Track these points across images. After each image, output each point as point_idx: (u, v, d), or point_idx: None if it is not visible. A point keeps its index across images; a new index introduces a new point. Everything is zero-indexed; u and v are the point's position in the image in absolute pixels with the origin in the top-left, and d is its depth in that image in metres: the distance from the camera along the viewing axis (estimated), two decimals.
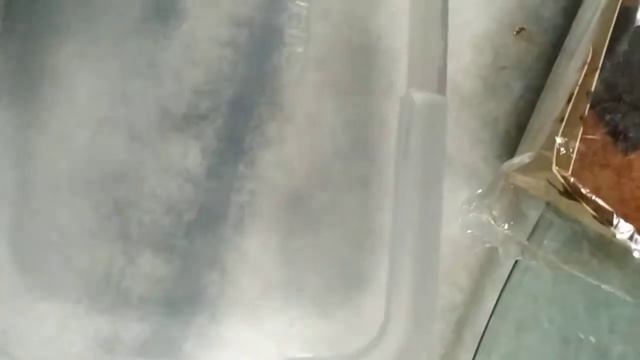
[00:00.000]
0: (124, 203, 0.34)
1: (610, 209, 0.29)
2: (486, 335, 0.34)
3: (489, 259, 0.35)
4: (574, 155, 0.28)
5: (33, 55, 0.34)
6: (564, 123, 0.28)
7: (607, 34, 0.29)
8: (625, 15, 0.29)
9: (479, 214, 0.30)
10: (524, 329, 0.34)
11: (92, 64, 0.34)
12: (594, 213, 0.29)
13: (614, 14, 0.29)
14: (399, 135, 0.29)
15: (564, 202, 0.29)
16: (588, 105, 0.29)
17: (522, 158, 0.29)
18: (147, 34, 0.34)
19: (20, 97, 0.33)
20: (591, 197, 0.29)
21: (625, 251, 0.29)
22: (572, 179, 0.28)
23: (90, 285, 0.33)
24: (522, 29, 0.36)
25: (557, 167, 0.28)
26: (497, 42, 0.36)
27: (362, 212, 0.34)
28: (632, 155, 0.29)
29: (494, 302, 0.35)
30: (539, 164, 0.29)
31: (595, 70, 0.29)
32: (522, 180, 0.30)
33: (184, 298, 0.34)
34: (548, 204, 0.32)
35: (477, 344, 0.34)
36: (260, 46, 0.35)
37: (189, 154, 0.34)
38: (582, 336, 0.35)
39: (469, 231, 0.30)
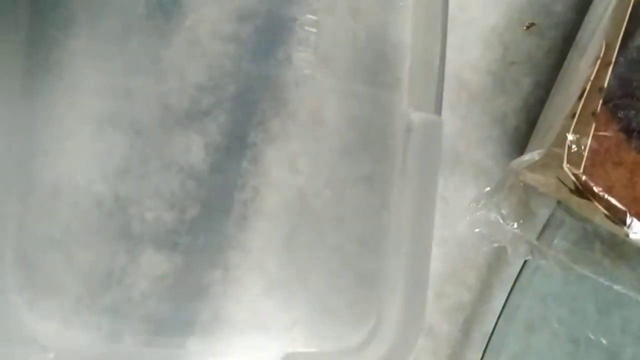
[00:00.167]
0: (126, 199, 0.33)
1: (623, 207, 0.27)
2: (495, 336, 0.33)
3: (498, 257, 0.33)
4: (585, 153, 0.27)
5: (36, 50, 0.33)
6: (575, 119, 0.27)
7: (621, 29, 0.27)
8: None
9: (487, 213, 0.28)
10: (533, 329, 0.33)
11: (94, 60, 0.33)
12: (606, 212, 0.27)
13: (627, 8, 0.28)
14: (397, 152, 0.30)
15: (575, 201, 0.27)
16: (601, 102, 0.27)
17: (532, 155, 0.27)
18: (150, 30, 0.33)
19: (23, 92, 0.32)
20: (603, 196, 0.27)
21: (638, 251, 0.27)
22: (583, 177, 0.27)
23: (92, 282, 0.32)
24: (532, 23, 0.34)
25: (568, 165, 0.26)
26: (507, 37, 0.35)
27: (367, 210, 0.33)
28: None
29: (503, 302, 0.33)
30: (550, 162, 0.27)
31: (608, 65, 0.27)
32: (532, 178, 0.29)
33: (187, 295, 0.33)
34: (558, 202, 0.30)
35: (485, 344, 0.33)
36: (264, 42, 0.34)
37: (192, 150, 0.33)
38: (592, 337, 0.33)
39: (477, 230, 0.29)
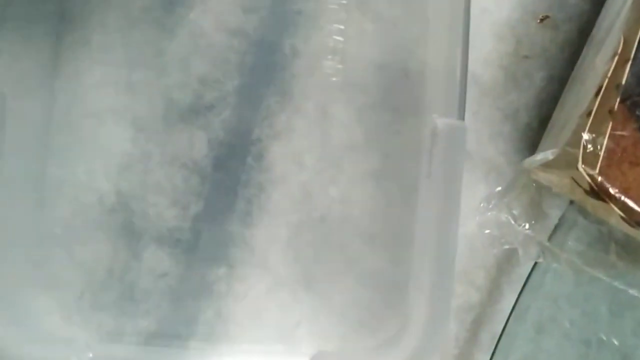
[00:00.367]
0: (128, 195, 0.32)
1: None
2: (504, 337, 0.31)
3: (507, 257, 0.32)
4: (601, 153, 0.25)
5: (37, 43, 0.32)
6: (591, 118, 0.25)
7: None
8: None
9: (498, 213, 0.27)
10: (544, 330, 0.32)
11: (96, 53, 0.32)
12: (622, 214, 0.25)
13: None
14: (423, 158, 0.29)
15: (590, 202, 0.26)
16: (618, 99, 0.25)
17: (546, 155, 0.25)
18: (152, 22, 0.32)
19: (24, 86, 0.31)
20: (620, 198, 0.25)
21: None
22: (599, 178, 0.25)
23: (93, 278, 0.32)
24: (546, 16, 0.33)
25: (583, 165, 0.25)
26: (520, 30, 0.33)
27: (374, 207, 0.32)
28: None
29: (512, 302, 0.32)
30: (564, 162, 0.25)
31: (627, 61, 0.25)
32: (545, 177, 0.27)
33: (190, 293, 0.32)
34: (572, 202, 0.29)
35: (494, 345, 0.31)
36: (269, 34, 0.32)
37: (195, 146, 0.32)
38: (604, 338, 0.32)
39: (487, 231, 0.27)
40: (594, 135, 0.25)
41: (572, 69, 0.32)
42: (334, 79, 0.32)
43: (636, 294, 0.28)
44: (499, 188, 0.29)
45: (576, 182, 0.26)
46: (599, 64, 0.27)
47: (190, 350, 0.31)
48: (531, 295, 0.32)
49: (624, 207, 0.25)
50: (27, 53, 0.31)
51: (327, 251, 0.32)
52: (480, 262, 0.32)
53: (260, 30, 0.32)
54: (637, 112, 0.26)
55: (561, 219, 0.28)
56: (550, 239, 0.28)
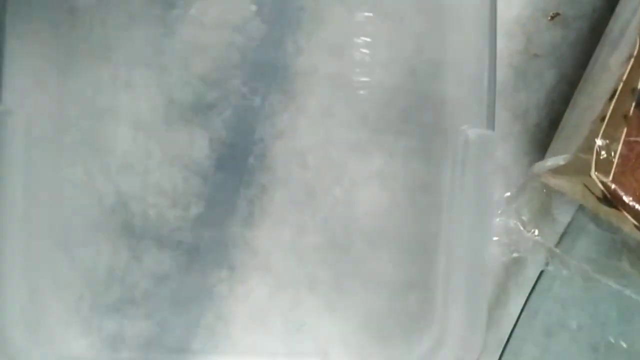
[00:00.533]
0: (128, 196, 0.31)
1: None
2: (512, 341, 0.31)
3: (515, 260, 0.30)
4: (615, 159, 0.24)
5: (37, 39, 0.31)
6: (605, 123, 0.24)
7: None
8: None
9: (507, 220, 0.25)
10: (552, 334, 0.31)
11: (95, 50, 0.31)
12: (636, 222, 0.24)
13: None
14: (454, 168, 0.29)
15: (603, 210, 0.24)
16: (633, 104, 0.24)
17: (557, 160, 0.24)
18: (152, 19, 0.31)
19: (21, 84, 0.30)
20: (634, 206, 0.24)
21: None
22: (613, 186, 0.24)
23: (93, 280, 0.31)
24: (557, 13, 0.31)
25: (596, 172, 0.23)
26: (530, 28, 0.32)
27: (378, 209, 0.31)
28: None
29: (519, 306, 0.31)
30: (576, 168, 0.24)
31: None
32: (556, 183, 0.25)
33: (191, 296, 0.31)
34: (583, 209, 0.27)
35: (501, 349, 0.31)
36: (271, 31, 0.31)
37: (196, 145, 0.31)
38: (613, 342, 0.31)
39: (495, 238, 0.26)
40: (607, 141, 0.24)
41: (584, 68, 0.30)
42: (337, 77, 0.31)
43: None
44: (508, 193, 0.27)
45: (588, 189, 0.24)
46: (614, 65, 0.25)
47: (191, 354, 0.31)
48: (539, 298, 0.31)
49: (638, 215, 0.24)
50: (25, 50, 0.30)
51: (331, 253, 0.31)
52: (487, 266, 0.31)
53: (263, 27, 0.31)
54: None
55: (570, 225, 0.27)
56: (558, 244, 0.27)
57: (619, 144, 0.24)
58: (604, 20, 0.30)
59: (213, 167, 0.31)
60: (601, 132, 0.24)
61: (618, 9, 0.29)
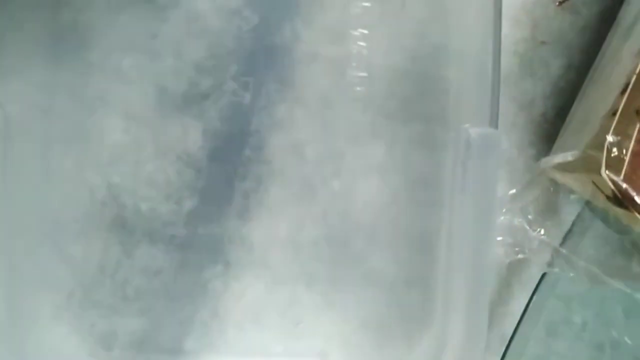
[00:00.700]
0: (119, 189, 0.30)
1: None
2: (515, 340, 0.29)
3: (519, 260, 0.29)
4: (627, 157, 0.22)
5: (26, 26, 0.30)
6: (616, 118, 0.23)
7: None
8: None
9: (511, 218, 0.24)
10: (556, 333, 0.31)
11: (83, 36, 0.30)
12: None
13: None
14: (455, 167, 0.28)
15: (613, 209, 0.23)
16: None
17: (564, 156, 0.23)
18: (144, 3, 0.30)
19: (5, 72, 0.29)
20: None
21: None
22: (624, 185, 0.23)
23: (84, 276, 0.30)
24: None
25: (607, 171, 0.22)
26: (537, 14, 0.31)
27: (378, 203, 0.30)
28: None
29: (522, 303, 0.30)
30: (585, 165, 0.23)
31: None
32: (563, 179, 0.24)
33: (185, 292, 0.30)
34: (591, 207, 0.26)
35: (503, 348, 0.30)
36: (269, 17, 0.30)
37: (190, 136, 0.30)
38: (618, 340, 0.30)
39: (499, 238, 0.25)
40: (619, 137, 0.23)
41: (594, 57, 0.30)
42: (337, 64, 0.30)
43: None
44: (513, 191, 0.26)
45: (598, 187, 0.23)
46: (626, 56, 0.24)
47: (185, 352, 0.30)
48: (543, 296, 0.30)
49: None
50: (9, 37, 0.29)
51: (329, 249, 0.30)
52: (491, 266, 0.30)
53: (260, 13, 0.30)
54: None
55: (577, 223, 0.26)
56: (564, 244, 0.26)
57: (631, 140, 0.23)
58: (616, 6, 0.29)
59: (207, 159, 0.30)
60: (612, 127, 0.23)
61: None
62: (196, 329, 0.30)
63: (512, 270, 0.30)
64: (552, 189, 0.25)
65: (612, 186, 0.23)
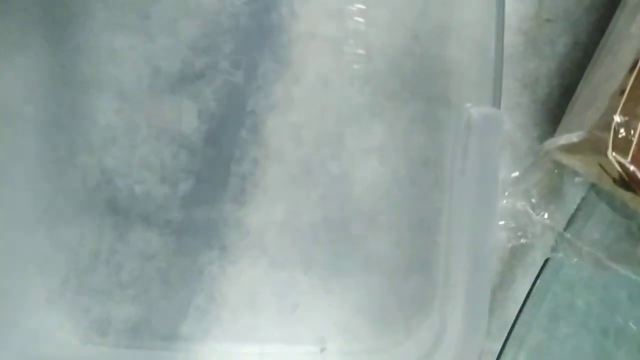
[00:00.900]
0: (113, 172, 0.29)
1: None
2: (517, 326, 0.29)
3: (521, 244, 0.29)
4: (635, 138, 0.22)
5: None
6: (624, 98, 0.22)
7: None
8: None
9: (514, 202, 0.23)
10: (559, 318, 0.30)
11: (74, 15, 0.29)
12: None
13: None
14: (455, 150, 0.27)
15: (619, 192, 0.22)
16: None
17: (570, 137, 0.22)
18: None
19: None
20: None
21: None
22: (631, 167, 0.22)
23: (78, 261, 0.29)
24: None
25: (614, 153, 0.21)
26: None
27: (378, 186, 0.30)
28: None
29: (525, 288, 0.29)
30: (591, 146, 0.22)
31: None
32: (568, 161, 0.23)
33: (180, 277, 0.30)
34: (596, 189, 0.25)
35: (505, 334, 0.29)
36: None
37: (185, 118, 0.29)
38: (622, 325, 0.29)
39: (501, 222, 0.24)
40: (626, 118, 0.22)
41: (600, 34, 0.29)
42: (335, 43, 0.29)
43: None
44: (516, 173, 0.26)
45: (604, 169, 0.22)
46: (635, 33, 0.23)
47: (181, 338, 0.29)
48: (547, 281, 0.29)
49: None
50: (3, 19, 0.29)
51: (327, 233, 0.30)
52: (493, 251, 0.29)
53: None
54: None
55: (581, 207, 0.25)
56: (568, 228, 0.25)
57: (639, 121, 0.22)
58: None
59: (202, 141, 0.29)
60: (620, 107, 0.22)
61: None
62: (192, 314, 0.29)
63: (514, 254, 0.29)
64: (556, 171, 0.25)
65: (619, 168, 0.22)
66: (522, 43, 0.30)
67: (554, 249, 0.26)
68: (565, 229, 0.25)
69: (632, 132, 0.22)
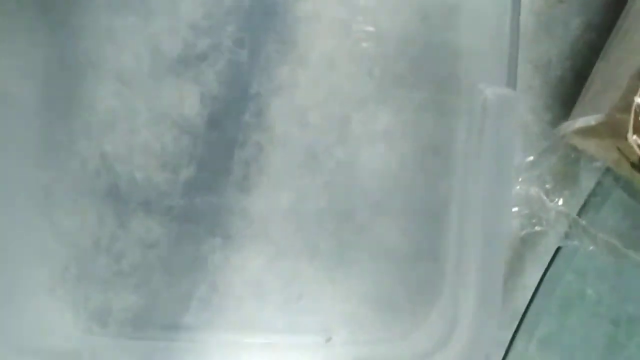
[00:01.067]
0: (113, 158, 0.29)
1: None
2: (528, 315, 0.28)
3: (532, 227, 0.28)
4: None
5: None
6: None
7: None
8: None
9: (528, 188, 0.22)
10: (571, 307, 0.30)
11: None
12: None
13: None
14: (470, 132, 0.26)
15: (638, 177, 0.21)
16: None
17: (587, 120, 0.22)
18: None
19: None
20: None
21: None
22: None
23: (78, 249, 0.29)
24: None
25: (634, 135, 0.20)
26: None
27: (385, 171, 0.29)
28: None
29: (536, 277, 0.29)
30: (610, 129, 0.21)
31: None
32: (584, 145, 0.23)
33: (182, 266, 0.29)
34: (612, 175, 0.25)
35: (516, 323, 0.29)
36: None
37: (186, 101, 0.29)
38: (634, 315, 0.28)
39: (515, 209, 0.23)
40: None
41: (615, 15, 0.28)
42: (341, 24, 0.29)
43: None
44: (530, 158, 0.25)
45: (623, 153, 0.22)
46: None
47: (183, 328, 0.29)
48: (559, 269, 0.29)
49: None
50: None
51: (332, 220, 0.29)
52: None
53: None
54: None
55: (596, 193, 0.25)
56: (582, 215, 0.25)
57: None
58: None
59: (205, 125, 0.29)
60: None
61: None
62: (194, 304, 0.29)
63: (526, 242, 0.28)
64: (571, 156, 0.24)
65: (639, 152, 0.21)
66: (534, 24, 0.30)
67: (568, 236, 0.25)
68: (579, 216, 0.25)
69: None
